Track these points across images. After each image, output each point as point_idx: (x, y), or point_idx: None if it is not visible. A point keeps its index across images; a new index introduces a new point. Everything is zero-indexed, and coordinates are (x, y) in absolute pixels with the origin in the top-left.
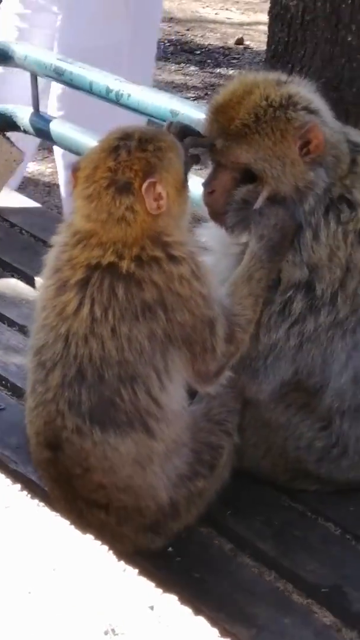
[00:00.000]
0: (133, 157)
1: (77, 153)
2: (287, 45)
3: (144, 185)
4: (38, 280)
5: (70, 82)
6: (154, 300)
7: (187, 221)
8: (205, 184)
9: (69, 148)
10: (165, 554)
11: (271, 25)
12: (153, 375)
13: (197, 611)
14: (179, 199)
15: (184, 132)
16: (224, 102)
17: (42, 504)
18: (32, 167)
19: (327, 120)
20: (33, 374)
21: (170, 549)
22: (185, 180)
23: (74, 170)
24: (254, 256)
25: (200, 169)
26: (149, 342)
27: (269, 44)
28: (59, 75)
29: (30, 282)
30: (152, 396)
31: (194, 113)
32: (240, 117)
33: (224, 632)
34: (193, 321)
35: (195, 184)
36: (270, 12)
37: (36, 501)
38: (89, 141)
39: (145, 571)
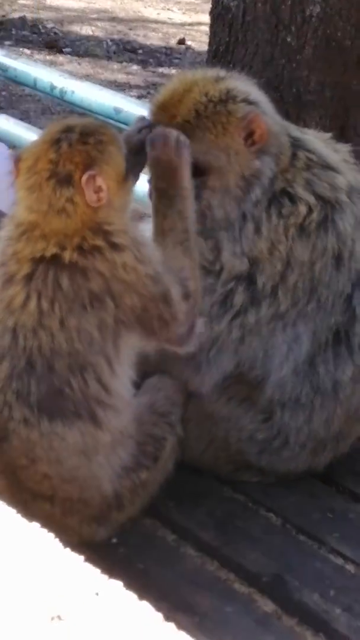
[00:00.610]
0: (74, 150)
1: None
2: (228, 46)
3: (84, 178)
4: None
5: (15, 79)
6: (100, 289)
7: (129, 211)
8: (150, 181)
9: (14, 144)
10: (109, 545)
11: (212, 25)
12: (104, 363)
13: (142, 597)
14: (120, 191)
15: (143, 127)
16: (165, 100)
17: None
18: None
19: (268, 111)
20: None
21: (114, 540)
22: (128, 173)
23: (16, 160)
24: (155, 212)
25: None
26: (99, 332)
27: (210, 44)
28: (3, 72)
29: None
30: (102, 383)
31: (138, 110)
32: (182, 114)
33: (168, 617)
34: (143, 302)
35: (140, 180)
36: (211, 13)
37: None
38: (34, 137)
39: (90, 560)
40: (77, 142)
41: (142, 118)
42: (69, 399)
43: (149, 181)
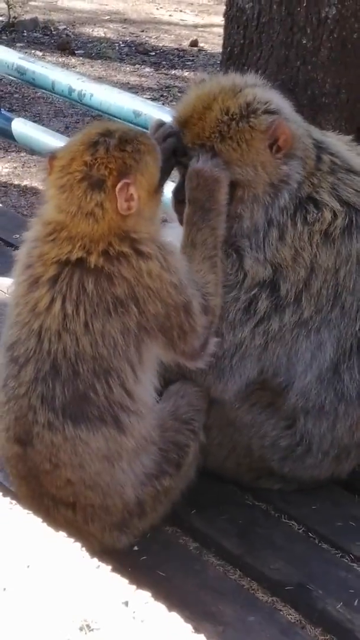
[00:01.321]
0: (110, 156)
1: (39, 153)
2: (242, 48)
3: (119, 185)
4: None
5: (33, 82)
6: (125, 295)
7: (158, 220)
8: (175, 193)
9: (31, 147)
10: (130, 553)
11: (227, 27)
12: (127, 368)
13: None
14: (150, 202)
15: (171, 134)
16: (186, 118)
17: (14, 502)
18: None
19: (290, 116)
20: (5, 369)
21: (135, 547)
22: (161, 184)
23: (51, 158)
24: (188, 222)
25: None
26: (123, 337)
27: (224, 46)
28: (20, 75)
29: None
30: (126, 389)
31: (157, 114)
32: (206, 135)
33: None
34: (166, 310)
35: (166, 187)
36: (226, 14)
37: (8, 499)
38: (51, 140)
39: (113, 568)
40: (115, 148)
41: (162, 123)
42: (93, 404)
43: (174, 192)
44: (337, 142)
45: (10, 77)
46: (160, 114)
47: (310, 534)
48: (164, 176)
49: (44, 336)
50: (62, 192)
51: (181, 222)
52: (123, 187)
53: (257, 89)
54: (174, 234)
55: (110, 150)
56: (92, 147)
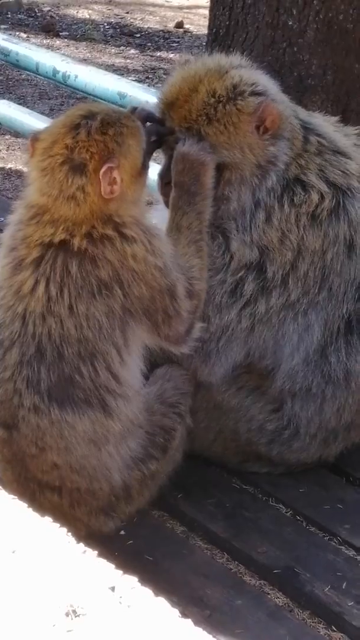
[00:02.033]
0: (91, 139)
1: (23, 135)
2: (228, 29)
3: (102, 170)
4: None
5: (17, 63)
6: (109, 277)
7: (143, 203)
8: (161, 175)
9: (15, 130)
10: (117, 538)
11: (212, 8)
12: (113, 351)
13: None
14: (133, 185)
15: (148, 118)
16: (172, 100)
17: None
18: None
19: (277, 97)
20: None
21: (122, 532)
22: (144, 167)
23: (33, 139)
24: (173, 206)
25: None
26: (107, 319)
27: (210, 27)
28: (4, 56)
29: None
30: (112, 372)
31: (142, 95)
32: (193, 118)
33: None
34: (151, 293)
35: (151, 169)
36: None
37: None
38: (36, 123)
39: (100, 553)
40: (97, 131)
41: (134, 108)
42: (79, 387)
43: (160, 174)
44: (324, 122)
45: None
46: (145, 95)
47: (298, 517)
48: (147, 157)
49: (28, 319)
50: (43, 175)
51: (167, 204)
52: (107, 172)
53: (243, 70)
54: (159, 216)
55: (91, 134)
56: (73, 129)
